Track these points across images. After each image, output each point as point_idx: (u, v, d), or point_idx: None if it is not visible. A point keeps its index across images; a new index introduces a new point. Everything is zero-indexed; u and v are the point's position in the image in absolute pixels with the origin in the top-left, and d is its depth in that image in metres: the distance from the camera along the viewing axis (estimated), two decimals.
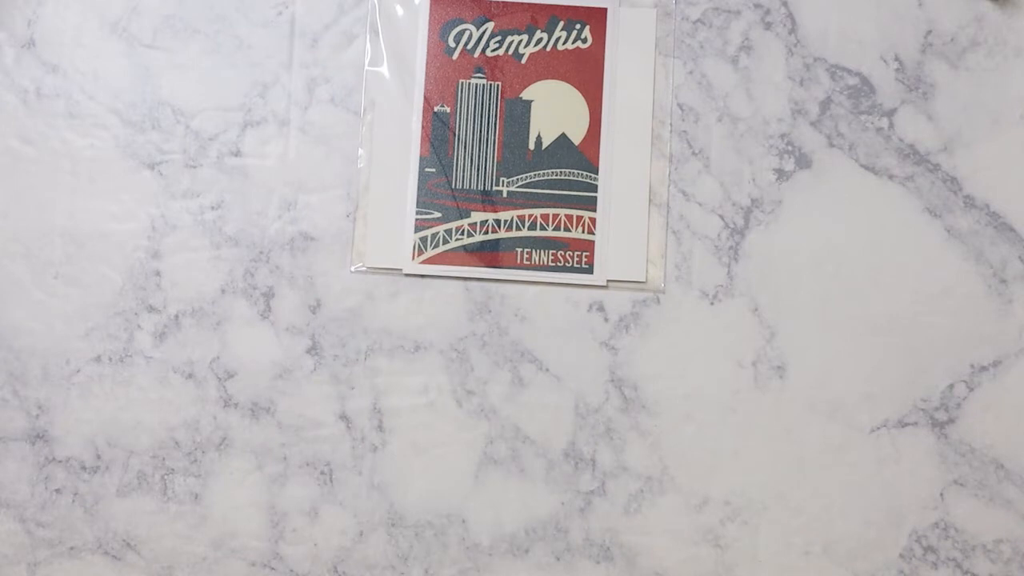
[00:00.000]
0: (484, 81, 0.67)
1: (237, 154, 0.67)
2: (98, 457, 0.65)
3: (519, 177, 0.67)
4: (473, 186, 0.67)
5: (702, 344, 0.66)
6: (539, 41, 0.68)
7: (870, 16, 0.67)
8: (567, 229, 0.66)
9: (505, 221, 0.66)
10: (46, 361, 0.66)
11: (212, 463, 0.65)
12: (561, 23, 0.68)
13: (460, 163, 0.67)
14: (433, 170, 0.67)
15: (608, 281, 0.66)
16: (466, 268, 0.66)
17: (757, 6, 0.68)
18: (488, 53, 0.68)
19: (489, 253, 0.66)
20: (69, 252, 0.67)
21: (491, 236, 0.66)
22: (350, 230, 0.67)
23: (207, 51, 0.68)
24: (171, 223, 0.67)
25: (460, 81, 0.67)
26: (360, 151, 0.67)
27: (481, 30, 0.68)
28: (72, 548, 0.65)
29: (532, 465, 0.65)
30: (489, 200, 0.67)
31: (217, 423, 0.65)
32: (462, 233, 0.66)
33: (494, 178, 0.67)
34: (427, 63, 0.68)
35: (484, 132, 0.67)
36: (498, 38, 0.68)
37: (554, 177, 0.67)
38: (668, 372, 0.65)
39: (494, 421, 0.65)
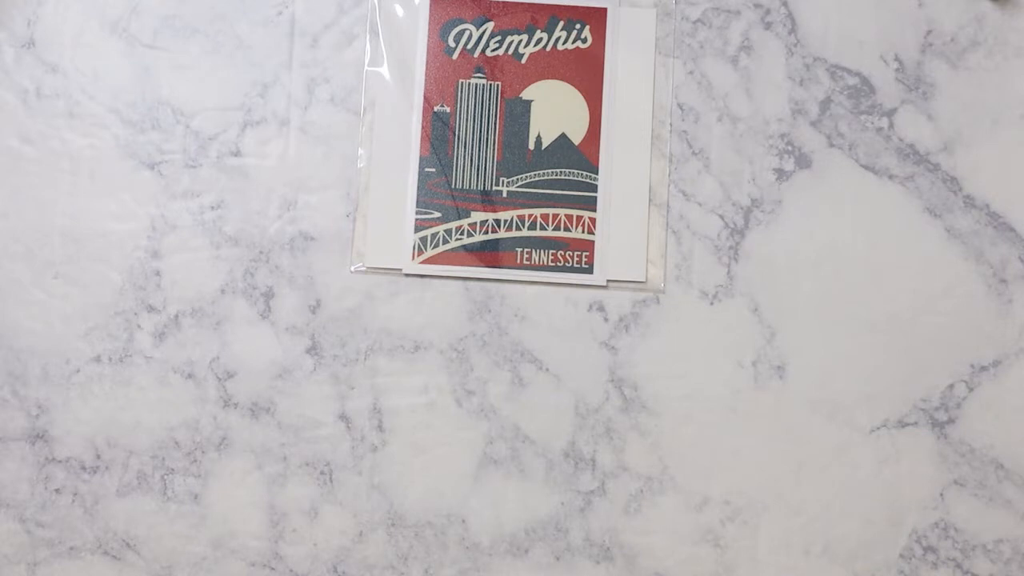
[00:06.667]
0: (484, 81, 0.67)
1: (237, 154, 0.67)
2: (98, 457, 0.65)
3: (519, 177, 0.67)
4: (473, 186, 0.67)
5: (702, 344, 0.66)
6: (539, 41, 0.68)
7: (870, 16, 0.67)
8: (567, 229, 0.66)
9: (505, 221, 0.66)
10: (46, 361, 0.66)
11: (212, 463, 0.65)
12: (561, 23, 0.68)
13: (460, 163, 0.67)
14: (433, 170, 0.67)
15: (608, 281, 0.66)
16: (466, 268, 0.66)
17: (757, 6, 0.68)
18: (488, 53, 0.68)
19: (489, 253, 0.66)
20: (69, 252, 0.67)
21: (491, 236, 0.66)
22: (350, 230, 0.67)
23: (207, 51, 0.68)
24: (171, 223, 0.67)
25: (460, 81, 0.67)
26: (360, 151, 0.67)
27: (481, 30, 0.68)
28: (72, 548, 0.65)
29: (532, 465, 0.65)
30: (489, 200, 0.67)
31: (217, 423, 0.66)
32: (462, 233, 0.66)
33: (494, 178, 0.67)
34: (427, 63, 0.68)
35: (484, 132, 0.67)
36: (498, 38, 0.68)
37: (554, 177, 0.67)
38: (668, 372, 0.65)
39: (494, 421, 0.65)
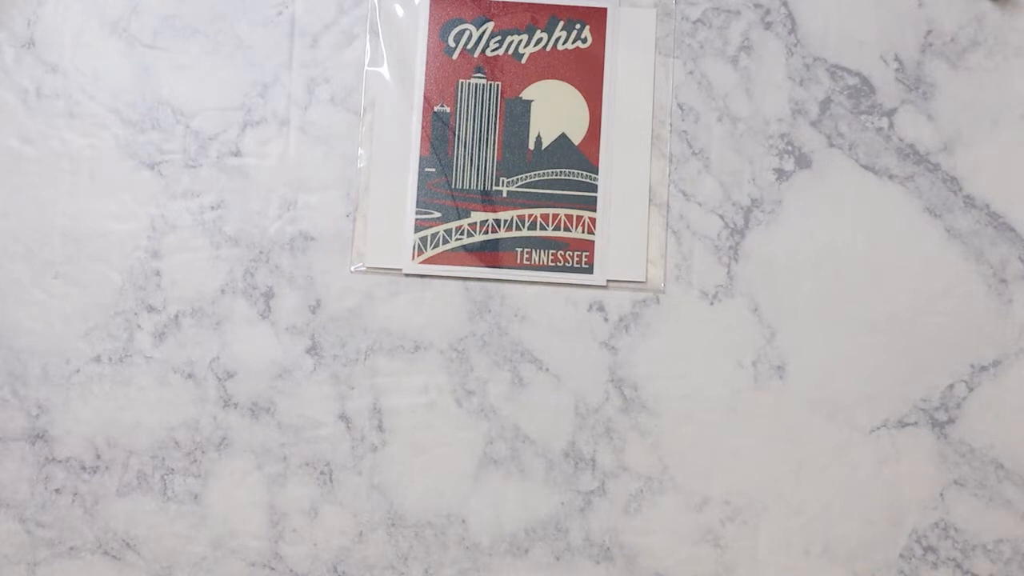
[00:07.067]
0: (484, 81, 0.67)
1: (237, 154, 0.67)
2: (98, 457, 0.65)
3: (519, 177, 0.67)
4: (473, 186, 0.67)
5: (702, 344, 0.66)
6: (539, 41, 0.68)
7: (870, 16, 0.67)
8: (567, 229, 0.66)
9: (505, 221, 0.66)
10: (46, 361, 0.66)
11: (212, 463, 0.65)
12: (561, 23, 0.68)
13: (460, 163, 0.67)
14: (433, 170, 0.67)
15: (608, 281, 0.66)
16: (466, 268, 0.66)
17: (757, 6, 0.68)
18: (488, 53, 0.68)
19: (489, 253, 0.66)
20: (69, 252, 0.67)
21: (491, 236, 0.66)
22: (350, 230, 0.67)
23: (207, 51, 0.68)
24: (171, 223, 0.67)
25: (460, 81, 0.67)
26: (360, 151, 0.67)
27: (481, 30, 0.68)
28: (72, 548, 0.65)
29: (532, 465, 0.65)
30: (489, 200, 0.67)
31: (217, 423, 0.66)
32: (462, 233, 0.66)
33: (494, 178, 0.67)
34: (427, 63, 0.68)
35: (484, 132, 0.67)
36: (498, 38, 0.68)
37: (554, 177, 0.67)
38: (668, 372, 0.65)
39: (494, 421, 0.65)
